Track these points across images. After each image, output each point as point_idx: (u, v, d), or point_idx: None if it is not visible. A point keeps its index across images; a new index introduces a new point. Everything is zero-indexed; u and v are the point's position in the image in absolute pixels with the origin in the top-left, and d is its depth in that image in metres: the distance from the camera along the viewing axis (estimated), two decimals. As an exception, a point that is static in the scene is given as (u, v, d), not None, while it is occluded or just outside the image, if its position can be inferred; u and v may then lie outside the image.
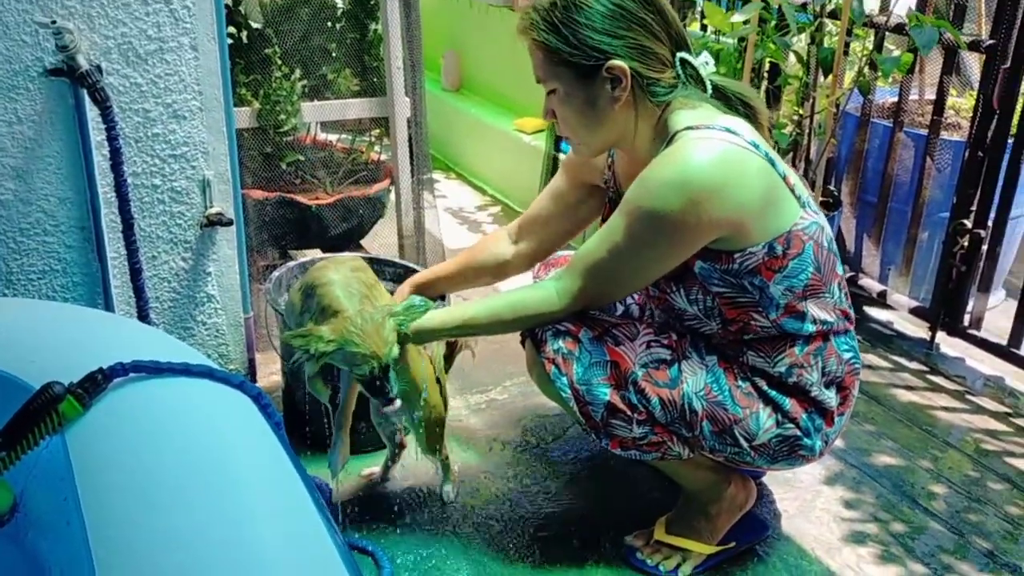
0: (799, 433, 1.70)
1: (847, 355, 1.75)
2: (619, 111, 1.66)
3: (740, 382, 1.70)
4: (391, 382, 1.63)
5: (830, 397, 1.72)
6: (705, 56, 1.69)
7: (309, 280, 1.76)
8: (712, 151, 1.56)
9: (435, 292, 2.05)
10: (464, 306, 1.82)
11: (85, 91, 1.86)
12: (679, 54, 1.66)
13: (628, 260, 1.64)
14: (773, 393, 1.70)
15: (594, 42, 1.61)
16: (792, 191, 1.64)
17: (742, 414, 1.68)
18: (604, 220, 1.89)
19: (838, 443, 2.28)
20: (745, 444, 1.69)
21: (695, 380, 1.68)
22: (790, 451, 1.72)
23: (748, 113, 1.70)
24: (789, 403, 1.70)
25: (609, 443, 1.71)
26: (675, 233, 1.59)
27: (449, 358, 2.12)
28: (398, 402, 1.66)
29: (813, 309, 1.68)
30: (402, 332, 1.66)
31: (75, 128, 1.92)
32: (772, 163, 1.62)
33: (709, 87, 1.69)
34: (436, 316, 1.77)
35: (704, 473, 1.84)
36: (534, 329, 1.74)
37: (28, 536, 1.28)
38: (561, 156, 3.56)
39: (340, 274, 1.72)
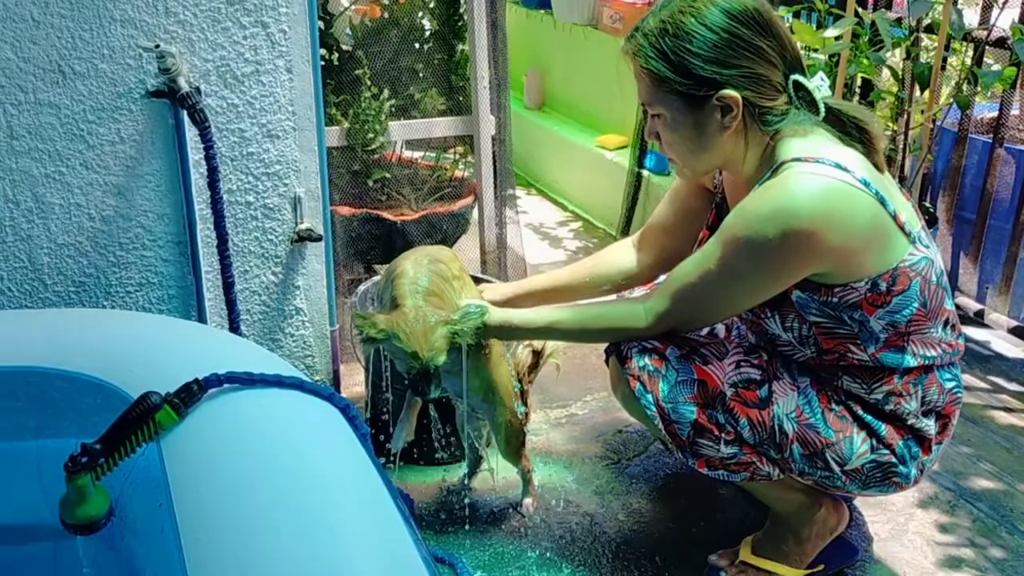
0: (894, 460, 1.64)
1: (949, 384, 1.68)
2: (727, 138, 1.61)
3: (834, 405, 1.65)
4: (431, 384, 1.68)
5: (928, 425, 1.66)
6: (820, 78, 1.62)
7: (392, 267, 1.81)
8: (816, 186, 1.51)
9: (548, 302, 1.97)
10: (550, 309, 1.81)
11: (185, 112, 1.92)
12: (793, 76, 1.59)
13: (719, 289, 1.61)
14: (868, 418, 1.64)
15: (705, 72, 1.55)
16: (902, 228, 1.57)
17: (835, 438, 1.63)
18: (708, 226, 1.86)
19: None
20: (836, 468, 1.64)
21: (786, 401, 1.64)
22: (883, 477, 1.66)
23: (863, 138, 1.61)
24: (885, 429, 1.64)
25: (696, 462, 1.68)
26: (768, 267, 1.55)
27: (534, 368, 2.12)
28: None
29: (915, 344, 1.62)
30: (456, 342, 1.68)
31: (174, 147, 1.99)
32: (883, 201, 1.54)
33: (823, 110, 1.62)
34: (522, 315, 1.77)
35: (794, 495, 1.79)
36: (619, 346, 1.72)
37: (123, 540, 1.32)
38: (644, 172, 3.54)
39: (415, 266, 1.75)
